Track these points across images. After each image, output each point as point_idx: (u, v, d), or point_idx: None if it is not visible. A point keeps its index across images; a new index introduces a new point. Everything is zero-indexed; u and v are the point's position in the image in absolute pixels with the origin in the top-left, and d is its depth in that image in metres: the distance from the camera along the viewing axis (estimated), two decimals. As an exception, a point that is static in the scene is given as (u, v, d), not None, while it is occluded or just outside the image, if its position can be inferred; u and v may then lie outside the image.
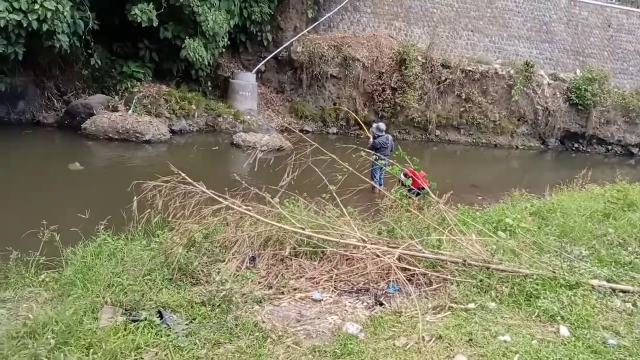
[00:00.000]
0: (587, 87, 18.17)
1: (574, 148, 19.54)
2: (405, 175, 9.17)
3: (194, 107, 14.96)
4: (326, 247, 4.14)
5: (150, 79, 14.91)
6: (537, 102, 18.46)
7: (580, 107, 18.49)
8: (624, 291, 4.30)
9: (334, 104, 17.46)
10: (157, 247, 4.38)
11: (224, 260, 4.14)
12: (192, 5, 13.20)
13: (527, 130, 18.85)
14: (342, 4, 17.90)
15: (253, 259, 4.28)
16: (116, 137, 12.31)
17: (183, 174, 4.51)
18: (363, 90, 17.37)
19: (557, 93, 18.68)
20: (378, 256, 3.70)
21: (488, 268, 4.05)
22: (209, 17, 13.47)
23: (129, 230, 4.84)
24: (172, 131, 13.92)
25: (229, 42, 15.46)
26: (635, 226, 6.31)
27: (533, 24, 20.10)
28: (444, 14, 18.99)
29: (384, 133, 10.24)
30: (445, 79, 17.59)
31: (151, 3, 12.76)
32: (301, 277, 3.98)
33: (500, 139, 18.68)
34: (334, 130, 17.66)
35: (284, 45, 17.23)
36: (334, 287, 3.90)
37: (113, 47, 14.75)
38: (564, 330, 3.51)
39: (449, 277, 3.89)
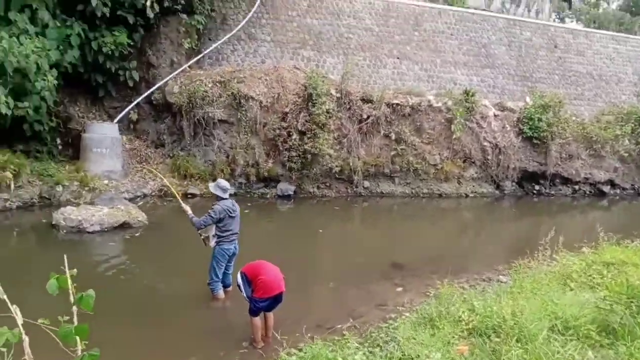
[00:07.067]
0: (540, 117, 14.89)
1: (535, 191, 15.97)
2: (244, 275, 5.22)
3: (8, 174, 10.48)
4: None
5: None
6: (484, 138, 14.98)
7: (536, 140, 15.11)
8: None
9: (227, 157, 13.37)
10: None
11: None
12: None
13: (476, 173, 15.21)
14: (233, 32, 14.27)
15: None
16: None
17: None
18: (264, 136, 13.39)
19: (507, 126, 15.31)
20: None
21: None
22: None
23: None
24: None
25: (60, 83, 11.30)
26: None
27: (470, 47, 17.07)
28: (363, 39, 15.66)
29: (227, 196, 6.19)
30: (368, 117, 13.91)
31: None
32: None
33: (445, 187, 14.92)
34: (232, 190, 13.46)
35: (157, 86, 13.26)
36: None
37: None
38: None
39: None
